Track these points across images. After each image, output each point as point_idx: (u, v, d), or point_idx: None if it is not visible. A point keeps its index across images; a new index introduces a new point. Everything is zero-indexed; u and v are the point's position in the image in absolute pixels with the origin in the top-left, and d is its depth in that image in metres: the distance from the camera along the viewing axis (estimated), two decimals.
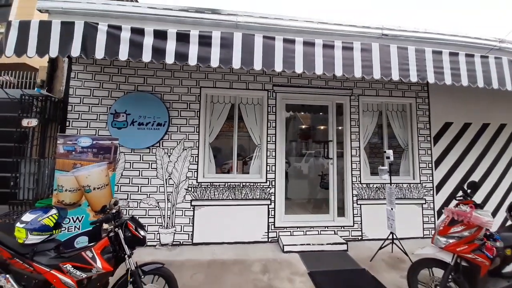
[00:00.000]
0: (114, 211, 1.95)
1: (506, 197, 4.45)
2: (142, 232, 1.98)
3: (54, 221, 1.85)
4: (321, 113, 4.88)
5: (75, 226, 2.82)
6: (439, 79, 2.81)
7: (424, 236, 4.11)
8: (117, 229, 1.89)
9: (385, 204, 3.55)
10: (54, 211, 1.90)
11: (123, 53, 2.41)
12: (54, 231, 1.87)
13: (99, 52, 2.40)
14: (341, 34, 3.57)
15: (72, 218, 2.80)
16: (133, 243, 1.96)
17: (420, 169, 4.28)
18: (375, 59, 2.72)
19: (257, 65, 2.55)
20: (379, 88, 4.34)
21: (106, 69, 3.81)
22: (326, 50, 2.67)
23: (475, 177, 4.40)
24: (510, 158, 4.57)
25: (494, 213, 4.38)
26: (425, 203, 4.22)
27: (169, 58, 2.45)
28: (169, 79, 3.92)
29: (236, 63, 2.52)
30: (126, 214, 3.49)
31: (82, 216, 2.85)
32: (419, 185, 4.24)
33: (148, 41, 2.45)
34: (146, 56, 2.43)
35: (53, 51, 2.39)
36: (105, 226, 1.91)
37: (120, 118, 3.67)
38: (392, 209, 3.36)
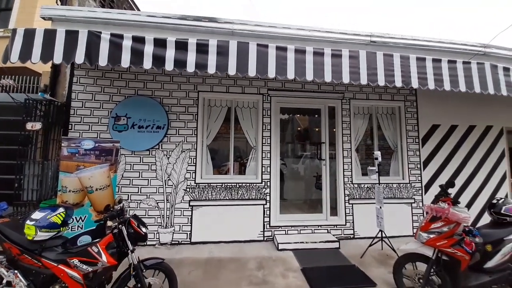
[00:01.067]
0: (118, 208, 2.09)
1: (493, 196, 4.59)
2: (143, 229, 2.13)
3: (62, 219, 1.99)
4: (316, 116, 5.02)
5: (78, 226, 2.95)
6: (423, 84, 2.98)
7: (414, 234, 4.26)
8: (120, 226, 2.03)
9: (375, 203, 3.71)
10: (61, 209, 2.03)
11: (125, 61, 2.54)
12: (61, 228, 2.00)
13: (102, 60, 2.52)
14: (332, 41, 3.73)
15: (75, 217, 2.92)
16: (136, 239, 2.10)
17: (409, 169, 4.45)
18: (362, 65, 2.87)
19: (252, 71, 2.69)
20: (369, 92, 4.50)
21: (107, 74, 3.95)
22: (316, 57, 2.82)
23: (462, 177, 4.57)
24: (496, 158, 4.74)
25: (481, 213, 4.56)
26: (414, 202, 4.39)
27: (169, 65, 2.58)
28: (168, 84, 4.06)
29: (232, 69, 2.66)
30: (127, 214, 3.62)
31: (85, 216, 2.98)
32: (408, 185, 4.41)
33: (148, 49, 2.58)
34: (147, 64, 2.56)
35: (58, 58, 2.51)
36: (109, 223, 2.05)
37: (121, 122, 3.81)
38: (380, 207, 3.51)
